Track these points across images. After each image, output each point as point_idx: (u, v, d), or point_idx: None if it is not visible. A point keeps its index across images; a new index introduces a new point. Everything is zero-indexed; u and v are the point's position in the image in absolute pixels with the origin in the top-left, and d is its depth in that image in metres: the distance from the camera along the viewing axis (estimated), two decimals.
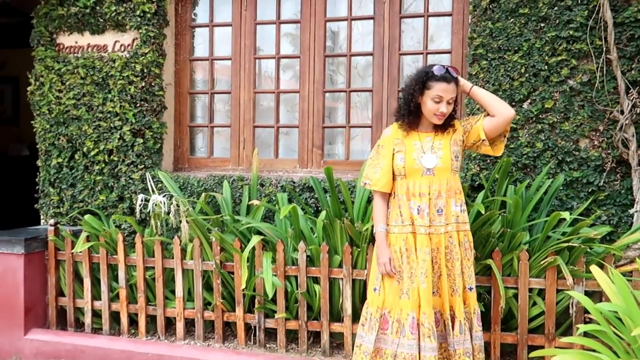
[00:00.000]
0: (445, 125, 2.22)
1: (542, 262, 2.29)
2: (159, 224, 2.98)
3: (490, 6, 2.86)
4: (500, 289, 2.26)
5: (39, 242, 3.23)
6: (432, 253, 2.14)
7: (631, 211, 2.52)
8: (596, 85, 2.69)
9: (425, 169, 2.14)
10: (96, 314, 3.23)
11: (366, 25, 3.45)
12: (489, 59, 2.88)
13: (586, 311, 2.20)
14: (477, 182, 2.87)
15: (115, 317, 3.20)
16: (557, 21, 2.74)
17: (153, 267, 3.07)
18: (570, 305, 2.28)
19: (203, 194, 3.22)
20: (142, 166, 3.53)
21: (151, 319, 3.13)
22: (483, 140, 2.19)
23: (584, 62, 2.73)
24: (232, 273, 2.89)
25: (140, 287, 3.05)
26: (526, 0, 2.79)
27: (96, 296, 3.21)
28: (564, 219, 2.34)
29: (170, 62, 3.72)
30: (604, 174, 2.68)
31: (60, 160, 3.67)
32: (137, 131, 3.55)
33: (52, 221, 3.26)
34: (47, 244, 3.26)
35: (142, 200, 2.92)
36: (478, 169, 2.89)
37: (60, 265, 3.28)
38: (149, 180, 3.01)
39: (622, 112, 2.59)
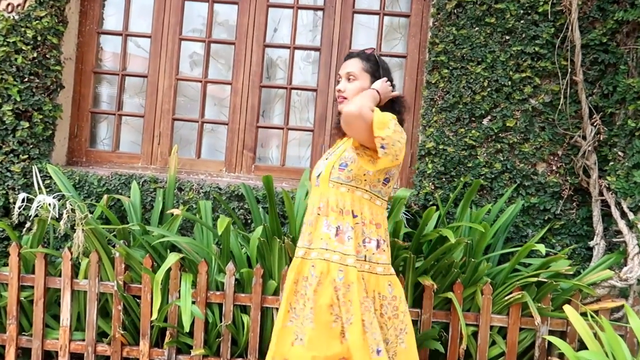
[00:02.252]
0: None
1: (506, 298, 2.12)
2: (39, 231, 2.41)
3: (456, 11, 2.69)
4: (462, 327, 2.04)
5: None
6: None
7: (591, 243, 2.45)
8: (559, 108, 2.61)
9: (315, 179, 1.79)
10: None
11: (315, 16, 3.15)
12: (450, 67, 2.70)
13: (549, 353, 2.05)
14: (430, 202, 2.67)
15: None
16: (523, 35, 2.64)
17: (31, 287, 2.48)
18: (536, 347, 2.13)
19: (105, 196, 2.69)
20: (26, 156, 2.89)
21: (24, 353, 2.53)
22: (359, 146, 1.72)
23: (547, 82, 2.65)
24: (138, 297, 2.41)
25: (11, 311, 2.44)
26: (493, 10, 2.66)
27: None
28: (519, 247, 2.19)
29: (73, 32, 3.13)
30: (561, 201, 2.60)
31: None
32: (21, 112, 2.91)
33: None
34: None
35: (23, 201, 2.33)
36: (432, 187, 2.69)
37: None
38: (36, 175, 2.43)
39: (584, 138, 2.53)
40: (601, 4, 2.58)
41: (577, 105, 2.59)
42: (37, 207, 2.20)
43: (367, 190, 1.72)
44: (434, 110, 2.72)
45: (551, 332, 2.14)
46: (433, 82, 2.73)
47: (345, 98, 1.78)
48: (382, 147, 1.63)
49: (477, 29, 2.67)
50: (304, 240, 1.77)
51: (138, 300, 2.40)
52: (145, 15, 3.22)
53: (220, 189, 2.81)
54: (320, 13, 3.11)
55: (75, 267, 2.44)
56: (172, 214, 2.52)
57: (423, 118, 2.76)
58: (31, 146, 2.90)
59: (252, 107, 3.12)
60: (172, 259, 2.20)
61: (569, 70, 2.57)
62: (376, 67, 1.80)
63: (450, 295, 2.09)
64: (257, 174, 3.09)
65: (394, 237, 2.15)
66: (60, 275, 2.45)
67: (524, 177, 2.63)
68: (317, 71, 3.09)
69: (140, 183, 2.84)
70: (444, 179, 2.68)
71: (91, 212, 2.67)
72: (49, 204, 2.19)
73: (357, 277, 1.62)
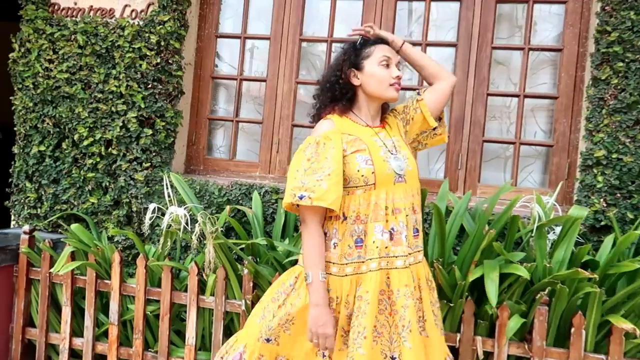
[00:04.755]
0: (384, 116, 1.81)
1: None
2: (169, 243, 2.38)
3: None
4: None
5: (7, 253, 2.61)
6: (416, 293, 1.64)
7: None
8: None
9: (397, 175, 1.63)
10: (75, 354, 2.61)
11: (447, 9, 2.90)
12: (627, 60, 2.32)
13: None
14: (601, 222, 2.30)
15: None
16: None
17: (156, 301, 2.46)
18: None
19: (227, 207, 2.63)
20: (148, 164, 2.93)
21: None
22: (434, 129, 1.84)
23: None
24: None
25: (137, 326, 2.43)
26: None
27: (77, 331, 2.59)
28: None
29: (192, 37, 3.14)
30: None
31: (42, 148, 3.05)
32: (145, 119, 2.95)
33: (26, 227, 2.64)
34: (17, 256, 2.64)
35: (153, 212, 2.31)
36: (604, 204, 2.32)
37: (32, 285, 2.66)
38: (167, 185, 2.41)
39: None
40: None
41: None
42: (169, 218, 2.15)
43: None
44: (603, 112, 2.36)
45: None
46: (602, 78, 2.37)
47: (400, 85, 1.73)
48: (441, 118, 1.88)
49: None
50: (403, 245, 1.61)
51: None
52: (261, 17, 3.16)
53: None
54: (454, 5, 2.85)
55: (201, 283, 2.37)
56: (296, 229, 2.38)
57: (588, 121, 2.40)
58: (154, 154, 2.93)
59: None
60: None
61: None
62: None
63: None
64: None
65: (574, 266, 1.84)
66: (185, 290, 2.40)
67: None
68: (452, 70, 2.82)
69: (261, 194, 2.75)
70: (619, 195, 2.30)
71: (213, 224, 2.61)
72: (181, 216, 2.14)
73: None
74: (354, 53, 1.72)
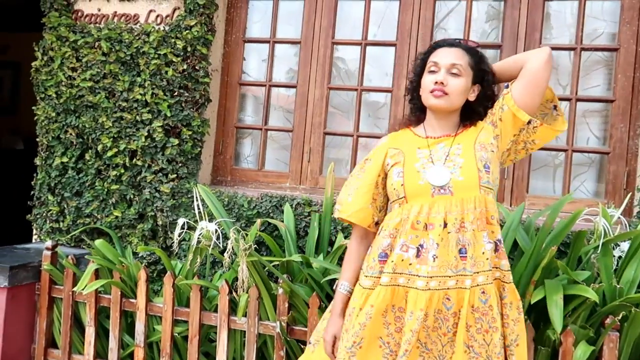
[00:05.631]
0: (466, 123, 1.61)
1: None
2: (198, 260, 2.27)
3: None
4: None
5: (29, 271, 2.54)
6: (450, 319, 1.46)
7: None
8: None
9: (437, 188, 1.48)
10: None
11: (488, 7, 2.76)
12: None
13: None
14: None
15: None
16: None
17: (185, 321, 2.34)
18: None
19: (258, 221, 2.51)
20: (174, 175, 2.84)
21: None
22: (529, 122, 1.52)
23: None
24: (302, 343, 2.16)
25: (165, 348, 2.32)
26: None
27: (101, 353, 2.49)
28: None
29: (219, 42, 3.05)
30: None
31: (65, 159, 2.99)
32: (171, 128, 2.87)
33: (49, 243, 2.56)
34: (39, 273, 2.57)
35: (182, 227, 2.20)
36: None
37: (55, 304, 2.58)
38: (197, 198, 2.30)
39: None
40: None
41: None
42: (199, 234, 2.04)
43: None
44: None
45: None
46: None
47: (445, 94, 1.52)
48: (555, 104, 1.63)
49: None
50: (428, 265, 1.45)
51: (302, 346, 2.15)
52: (290, 21, 3.06)
53: None
54: (497, 4, 2.71)
55: (232, 303, 2.26)
56: (343, 244, 2.25)
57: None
58: (180, 165, 2.84)
59: None
60: None
61: None
62: (479, 63, 1.58)
63: None
64: None
65: None
66: (215, 311, 2.29)
67: None
68: None
69: (293, 206, 2.63)
70: None
71: (244, 238, 2.50)
72: (212, 232, 2.03)
73: None
74: (422, 62, 1.64)
